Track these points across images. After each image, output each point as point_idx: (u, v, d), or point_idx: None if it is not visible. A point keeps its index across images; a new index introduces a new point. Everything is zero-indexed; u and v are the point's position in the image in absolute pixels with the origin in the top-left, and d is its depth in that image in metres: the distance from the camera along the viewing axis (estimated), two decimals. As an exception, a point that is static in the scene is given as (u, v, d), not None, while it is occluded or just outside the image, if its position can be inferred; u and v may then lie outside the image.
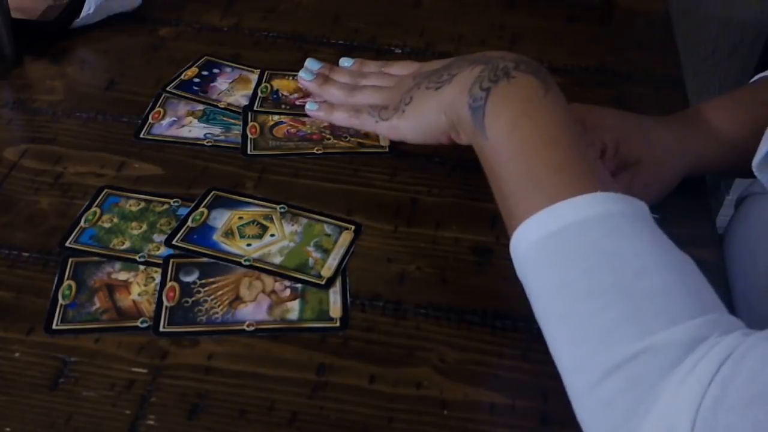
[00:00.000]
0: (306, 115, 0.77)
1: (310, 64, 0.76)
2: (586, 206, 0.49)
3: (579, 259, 0.48)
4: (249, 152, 0.74)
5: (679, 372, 0.42)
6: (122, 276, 0.62)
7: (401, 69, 0.73)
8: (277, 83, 0.82)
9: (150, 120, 0.77)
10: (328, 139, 0.76)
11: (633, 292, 0.46)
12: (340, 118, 0.71)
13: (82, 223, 0.66)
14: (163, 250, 0.64)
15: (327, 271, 0.63)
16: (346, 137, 0.76)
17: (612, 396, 0.44)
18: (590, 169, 0.52)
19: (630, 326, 0.44)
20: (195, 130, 0.76)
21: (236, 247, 0.64)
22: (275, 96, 0.81)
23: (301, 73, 0.75)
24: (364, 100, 0.70)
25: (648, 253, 0.47)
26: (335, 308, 0.61)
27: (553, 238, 0.49)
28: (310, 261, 0.64)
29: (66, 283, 0.61)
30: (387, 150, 0.75)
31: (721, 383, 0.41)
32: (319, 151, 0.74)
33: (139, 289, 0.61)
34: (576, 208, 0.49)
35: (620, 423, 0.43)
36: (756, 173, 0.64)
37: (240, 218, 0.67)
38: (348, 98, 0.72)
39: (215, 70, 0.84)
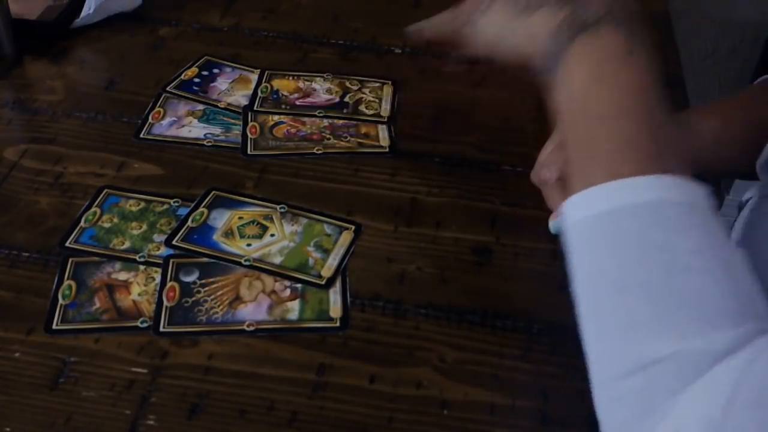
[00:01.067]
0: (306, 115, 0.77)
1: None
2: (642, 190, 0.47)
3: (624, 248, 0.46)
4: (249, 152, 0.74)
5: (703, 381, 0.41)
6: (122, 276, 0.62)
7: None
8: (277, 83, 0.82)
9: (150, 120, 0.77)
10: (328, 139, 0.76)
11: (674, 291, 0.44)
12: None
13: (82, 223, 0.66)
14: (163, 250, 0.64)
15: (327, 271, 0.63)
16: (346, 137, 0.76)
17: (634, 393, 0.43)
18: (658, 147, 0.49)
19: (665, 326, 0.43)
20: (195, 130, 0.76)
21: (236, 247, 0.64)
22: (275, 96, 0.81)
23: None
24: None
25: (697, 250, 0.45)
26: (335, 308, 0.61)
27: (601, 220, 0.47)
28: (310, 261, 0.64)
29: (66, 283, 0.61)
30: (387, 150, 0.75)
31: (732, 387, 0.40)
32: (319, 151, 0.74)
33: (139, 289, 0.61)
34: (631, 191, 0.47)
35: (636, 421, 0.43)
36: (759, 173, 0.64)
37: (240, 218, 0.67)
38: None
39: (215, 70, 0.84)
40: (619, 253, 0.46)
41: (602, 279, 0.46)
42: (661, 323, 0.43)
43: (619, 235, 0.46)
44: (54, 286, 0.61)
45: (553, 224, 0.65)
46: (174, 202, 0.68)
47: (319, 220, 0.67)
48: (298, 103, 0.80)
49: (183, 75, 0.82)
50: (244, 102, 0.79)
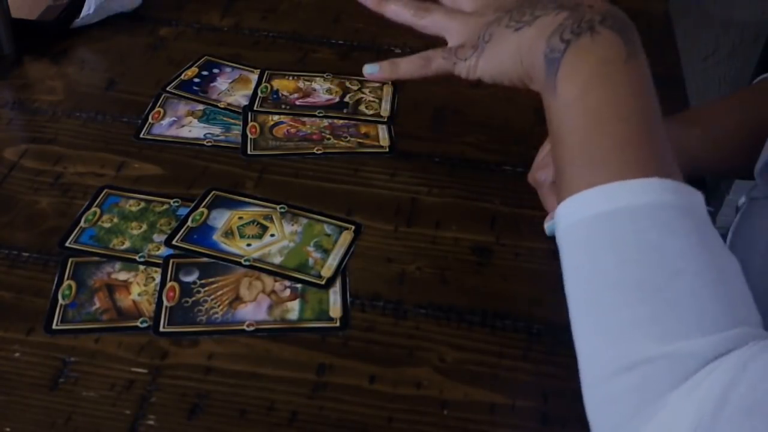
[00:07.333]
0: (306, 115, 0.77)
1: None
2: (640, 192, 0.47)
3: (619, 248, 0.46)
4: (249, 152, 0.74)
5: (691, 382, 0.41)
6: (122, 276, 0.62)
7: None
8: (277, 83, 0.82)
9: (150, 120, 0.77)
10: (328, 139, 0.76)
11: (666, 293, 0.44)
12: (408, 70, 0.64)
13: (82, 223, 0.66)
14: (163, 250, 0.64)
15: (327, 271, 0.63)
16: (346, 137, 0.76)
17: (622, 393, 0.43)
18: (655, 150, 0.49)
19: (655, 327, 0.43)
20: (195, 130, 0.76)
21: (236, 247, 0.64)
22: (275, 96, 0.81)
23: None
24: (433, 24, 0.63)
25: (691, 253, 0.45)
26: (335, 308, 0.61)
27: (600, 221, 0.47)
28: (310, 261, 0.64)
29: (66, 283, 0.61)
30: (387, 150, 0.75)
31: (722, 392, 0.40)
32: (319, 151, 0.74)
33: (139, 289, 0.61)
34: (630, 193, 0.47)
35: (624, 421, 0.43)
36: (757, 178, 0.64)
37: (240, 218, 0.67)
38: (413, 18, 0.64)
39: (215, 70, 0.84)
40: (617, 253, 0.46)
41: (599, 278, 0.46)
42: (653, 324, 0.44)
43: (618, 235, 0.47)
44: (54, 286, 0.61)
45: (548, 226, 0.65)
46: (174, 202, 0.68)
47: (319, 220, 0.67)
48: (298, 103, 0.80)
49: (183, 75, 0.82)
50: (244, 102, 0.79)
